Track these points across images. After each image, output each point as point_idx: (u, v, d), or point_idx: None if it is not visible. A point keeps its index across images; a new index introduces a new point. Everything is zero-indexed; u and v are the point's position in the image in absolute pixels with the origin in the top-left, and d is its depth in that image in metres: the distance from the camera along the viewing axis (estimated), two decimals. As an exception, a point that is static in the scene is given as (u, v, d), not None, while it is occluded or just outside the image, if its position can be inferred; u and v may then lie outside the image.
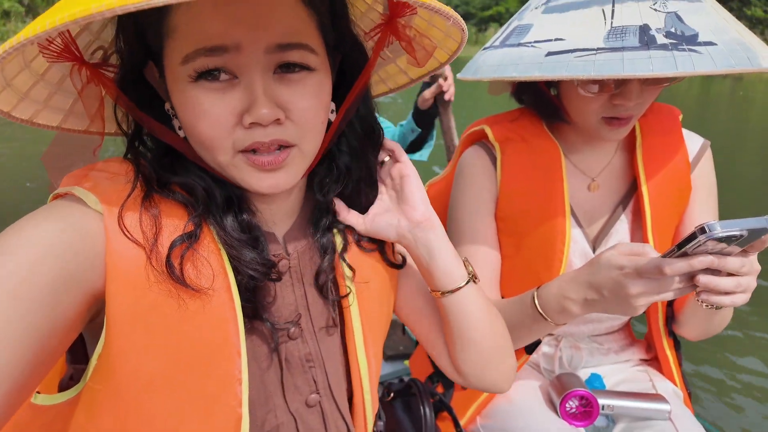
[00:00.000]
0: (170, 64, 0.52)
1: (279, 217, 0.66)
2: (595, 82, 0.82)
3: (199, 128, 0.52)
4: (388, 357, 1.95)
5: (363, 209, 0.70)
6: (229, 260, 0.55)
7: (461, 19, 0.55)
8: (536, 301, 0.84)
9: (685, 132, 1.00)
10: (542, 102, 0.97)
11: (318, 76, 0.56)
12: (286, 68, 0.53)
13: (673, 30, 0.69)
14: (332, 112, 0.63)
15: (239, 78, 0.52)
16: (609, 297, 0.73)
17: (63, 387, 0.58)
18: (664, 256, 0.66)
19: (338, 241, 0.68)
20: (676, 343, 1.07)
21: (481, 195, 1.00)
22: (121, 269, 0.49)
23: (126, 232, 0.50)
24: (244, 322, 0.56)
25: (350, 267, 0.68)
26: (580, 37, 0.74)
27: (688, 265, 0.64)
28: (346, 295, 0.67)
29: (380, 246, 0.73)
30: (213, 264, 0.55)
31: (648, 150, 0.97)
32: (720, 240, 0.61)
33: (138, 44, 0.55)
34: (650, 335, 1.07)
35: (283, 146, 0.55)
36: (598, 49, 0.71)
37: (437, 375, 1.11)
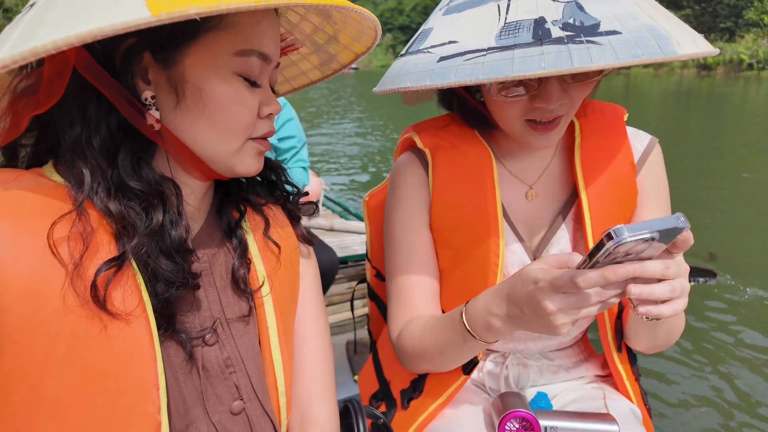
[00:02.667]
0: (215, 52, 0.56)
1: (191, 216, 0.67)
2: (512, 84, 0.77)
3: (233, 113, 0.59)
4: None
5: (283, 189, 0.78)
6: (141, 274, 0.55)
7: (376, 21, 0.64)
8: (464, 318, 0.79)
9: (631, 131, 0.94)
10: (467, 109, 0.92)
11: None
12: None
13: (571, 21, 0.64)
14: None
15: (261, 86, 0.62)
16: (528, 314, 0.68)
17: None
18: (578, 267, 0.61)
19: (248, 234, 0.71)
20: (632, 356, 1.00)
21: (414, 205, 0.95)
22: (13, 281, 0.47)
23: (55, 252, 0.49)
24: (159, 332, 0.57)
25: (269, 248, 0.72)
26: (472, 38, 0.69)
27: (601, 276, 0.59)
28: (259, 288, 0.68)
29: (297, 221, 0.78)
30: (126, 279, 0.53)
31: (587, 152, 0.91)
32: (635, 243, 0.56)
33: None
34: (606, 348, 1.00)
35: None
36: (489, 49, 0.66)
37: (382, 393, 1.04)
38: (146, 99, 0.57)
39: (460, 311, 0.80)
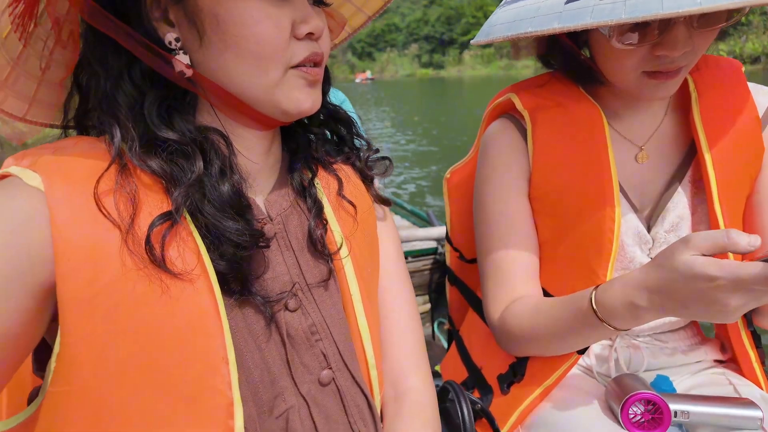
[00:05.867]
0: None
1: (259, 175, 0.62)
2: (632, 29, 0.70)
3: (257, 35, 0.51)
4: None
5: (353, 147, 0.72)
6: (198, 232, 0.51)
7: None
8: (594, 306, 0.70)
9: (752, 85, 0.85)
10: (573, 63, 0.84)
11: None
12: (315, 2, 0.58)
13: None
14: None
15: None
16: (696, 309, 0.61)
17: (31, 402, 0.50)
18: (760, 259, 0.54)
19: (321, 191, 0.65)
20: (756, 337, 0.89)
21: (510, 173, 0.87)
22: (71, 247, 0.44)
23: (104, 211, 0.46)
24: (234, 298, 0.53)
25: (345, 209, 0.67)
26: None
27: None
28: (338, 250, 0.64)
29: (370, 180, 0.73)
30: (183, 237, 0.50)
31: (707, 108, 0.82)
32: None
33: None
34: (724, 331, 0.90)
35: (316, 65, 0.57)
36: None
37: (473, 380, 0.97)
38: (170, 42, 0.53)
39: (588, 298, 0.71)
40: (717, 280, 0.56)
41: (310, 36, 0.55)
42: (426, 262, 2.33)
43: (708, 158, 0.80)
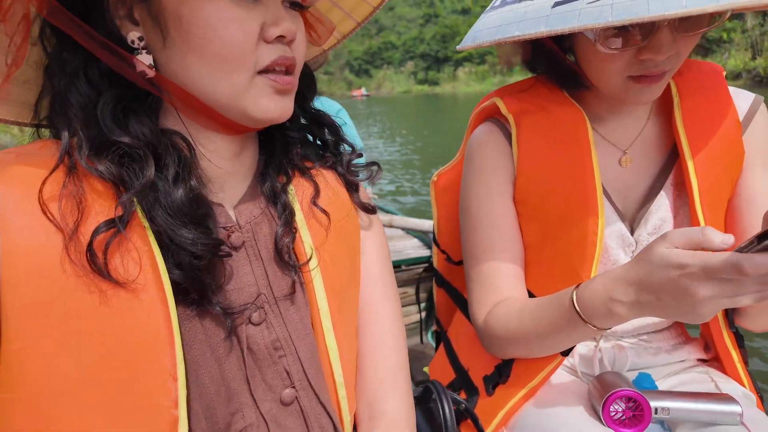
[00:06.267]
0: None
1: (229, 180, 0.59)
2: (616, 34, 0.72)
3: (221, 38, 0.49)
4: (417, 382, 1.84)
5: (336, 153, 0.70)
6: (156, 239, 0.49)
7: None
8: (575, 304, 0.71)
9: (732, 89, 0.87)
10: (558, 68, 0.86)
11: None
12: (291, 5, 0.56)
13: None
14: None
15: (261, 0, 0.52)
16: (668, 301, 0.61)
17: None
18: (739, 250, 0.54)
19: (293, 198, 0.63)
20: (739, 338, 0.90)
21: (495, 177, 0.88)
22: (18, 254, 0.43)
23: (49, 214, 0.44)
24: (193, 308, 0.51)
25: (318, 219, 0.64)
26: None
27: None
28: (308, 261, 0.60)
29: (353, 187, 0.69)
30: (137, 245, 0.48)
31: (689, 112, 0.84)
32: None
33: None
34: (707, 330, 0.91)
35: (288, 74, 0.55)
36: None
37: (460, 381, 0.97)
38: (133, 42, 0.51)
39: (569, 296, 0.72)
40: (687, 267, 0.57)
41: (280, 39, 0.53)
42: (419, 271, 2.34)
43: (690, 162, 0.82)
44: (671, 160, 0.87)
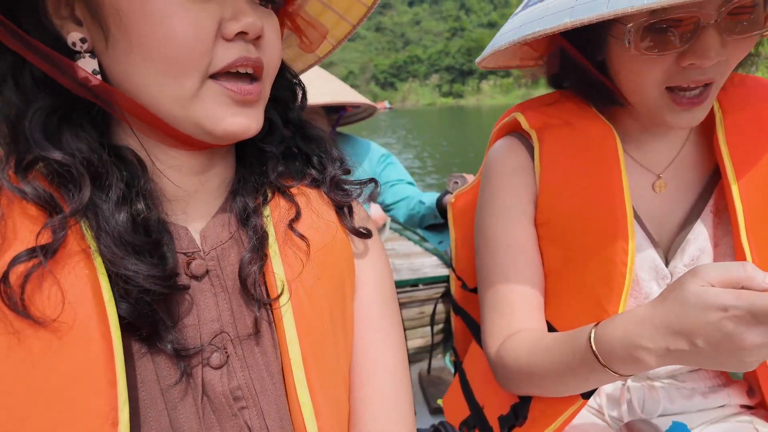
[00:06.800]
0: None
1: (195, 200, 0.52)
2: (654, 35, 0.64)
3: (171, 33, 0.42)
4: (433, 409, 1.77)
5: (322, 170, 0.61)
6: (105, 269, 0.43)
7: None
8: (593, 345, 0.62)
9: None
10: (588, 82, 0.78)
11: (276, 21, 0.51)
12: (264, 1, 0.50)
13: None
14: None
15: None
16: (705, 348, 0.52)
17: None
18: None
19: (269, 223, 0.54)
20: (787, 382, 0.81)
21: (515, 194, 0.81)
22: None
23: None
24: (142, 346, 0.45)
25: (295, 249, 0.55)
26: None
27: None
28: (278, 297, 0.51)
29: (341, 208, 0.60)
30: (77, 274, 0.42)
31: (732, 129, 0.76)
32: None
33: None
34: (752, 372, 0.82)
35: (254, 79, 0.48)
36: None
37: (474, 419, 0.90)
38: (74, 44, 0.45)
39: (586, 335, 0.64)
40: (731, 310, 0.49)
41: (242, 36, 0.46)
42: (438, 290, 2.27)
43: (734, 186, 0.73)
44: (712, 184, 0.79)
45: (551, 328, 0.82)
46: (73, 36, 0.45)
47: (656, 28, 0.63)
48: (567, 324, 0.79)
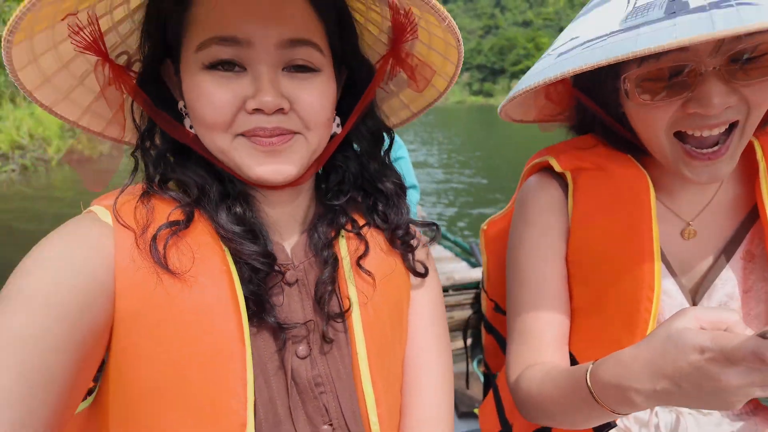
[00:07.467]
0: (186, 54, 0.57)
1: (286, 225, 0.66)
2: (654, 82, 0.65)
3: (202, 109, 0.56)
4: (461, 413, 1.81)
5: (384, 220, 0.71)
6: (231, 253, 0.57)
7: (454, 24, 0.57)
8: (589, 384, 0.64)
9: None
10: (610, 131, 0.79)
11: (324, 77, 0.59)
12: (295, 69, 0.57)
13: None
14: (338, 126, 0.67)
15: (248, 71, 0.56)
16: (690, 390, 0.53)
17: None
18: (761, 335, 0.47)
19: (343, 252, 0.67)
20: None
21: (547, 232, 0.83)
22: (125, 270, 0.53)
23: (120, 219, 0.55)
24: (254, 324, 0.57)
25: (362, 274, 0.67)
26: (594, 30, 0.62)
27: None
28: (347, 310, 0.64)
29: (403, 252, 0.72)
30: (211, 253, 0.57)
31: None
32: None
33: (159, 38, 0.60)
34: None
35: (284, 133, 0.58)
36: (611, 33, 0.59)
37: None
38: (180, 109, 0.62)
39: (584, 372, 0.65)
40: (707, 352, 0.50)
41: (259, 111, 0.56)
42: (468, 296, 2.30)
43: None
44: (743, 230, 0.79)
45: (574, 361, 0.84)
46: (180, 104, 0.63)
47: (654, 78, 0.64)
48: (589, 359, 0.81)
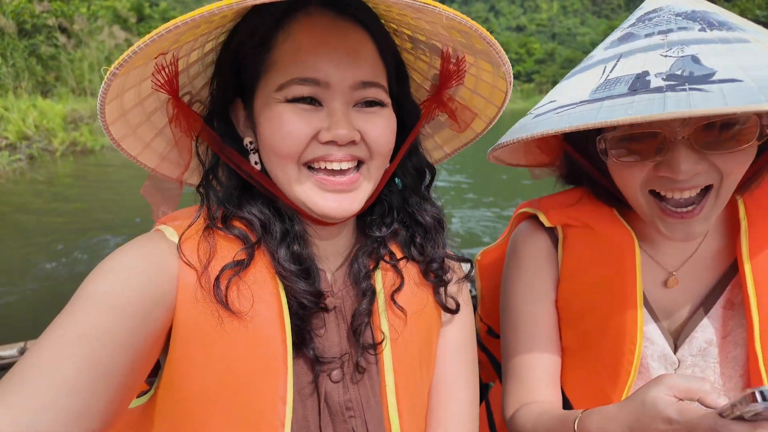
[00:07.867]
0: (264, 93, 0.61)
1: (331, 255, 0.70)
2: (627, 144, 0.70)
3: (280, 137, 0.59)
4: None
5: (421, 252, 0.73)
6: (284, 289, 0.61)
7: (510, 68, 0.61)
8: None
9: None
10: (596, 184, 0.83)
11: (388, 111, 0.65)
12: (365, 104, 0.63)
13: (678, 72, 0.58)
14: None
15: (324, 105, 0.60)
16: None
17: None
18: (720, 413, 0.52)
19: (379, 285, 0.70)
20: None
21: (539, 277, 0.88)
22: (185, 285, 0.58)
23: (183, 256, 0.59)
24: (293, 350, 0.60)
25: (395, 309, 0.69)
26: (569, 96, 0.67)
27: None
28: (381, 342, 0.67)
29: (435, 286, 0.74)
30: (267, 290, 0.61)
31: (758, 242, 0.76)
32: None
33: (232, 80, 0.64)
34: None
35: (353, 166, 0.63)
36: (581, 102, 0.63)
37: None
38: (247, 145, 0.65)
39: (573, 420, 0.71)
40: (674, 423, 0.55)
41: (331, 143, 0.60)
42: None
43: (752, 298, 0.74)
44: (725, 280, 0.80)
45: (566, 399, 0.88)
46: (246, 140, 0.66)
47: (628, 139, 0.68)
48: (578, 400, 0.86)
